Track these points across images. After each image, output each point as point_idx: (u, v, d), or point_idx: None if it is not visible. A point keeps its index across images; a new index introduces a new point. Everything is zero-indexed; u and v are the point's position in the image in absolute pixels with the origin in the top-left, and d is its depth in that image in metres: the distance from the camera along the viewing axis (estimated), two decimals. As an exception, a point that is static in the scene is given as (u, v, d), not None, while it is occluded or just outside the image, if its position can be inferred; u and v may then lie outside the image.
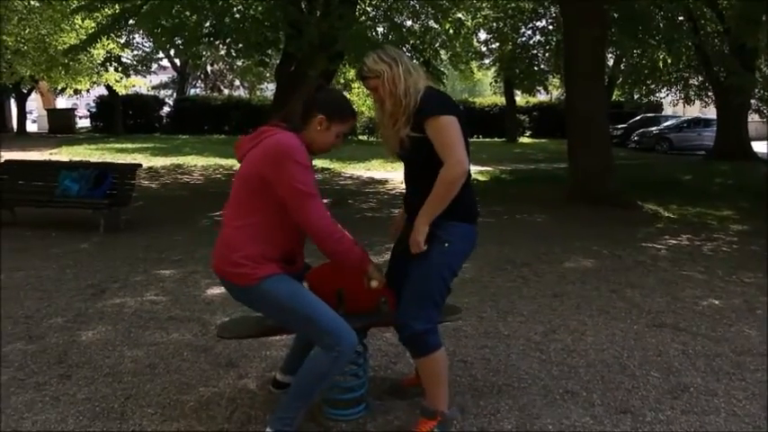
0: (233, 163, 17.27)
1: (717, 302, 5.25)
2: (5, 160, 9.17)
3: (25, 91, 30.47)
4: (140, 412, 3.20)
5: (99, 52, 20.01)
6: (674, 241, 7.97)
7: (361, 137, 32.45)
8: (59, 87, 26.69)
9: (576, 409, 3.29)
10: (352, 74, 22.25)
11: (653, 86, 24.68)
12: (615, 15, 13.21)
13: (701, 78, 23.36)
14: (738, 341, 4.33)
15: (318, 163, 16.43)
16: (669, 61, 20.51)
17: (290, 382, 3.29)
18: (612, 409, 3.30)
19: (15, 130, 31.12)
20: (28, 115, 34.05)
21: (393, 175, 15.48)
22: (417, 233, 2.81)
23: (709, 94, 23.47)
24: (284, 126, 2.81)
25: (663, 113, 32.65)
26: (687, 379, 3.68)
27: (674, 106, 31.01)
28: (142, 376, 3.63)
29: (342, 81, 24.94)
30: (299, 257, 2.94)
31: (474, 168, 17.31)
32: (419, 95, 2.81)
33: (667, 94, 27.25)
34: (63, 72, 21.94)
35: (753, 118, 25.03)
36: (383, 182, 14.15)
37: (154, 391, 3.44)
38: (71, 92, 27.69)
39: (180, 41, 11.32)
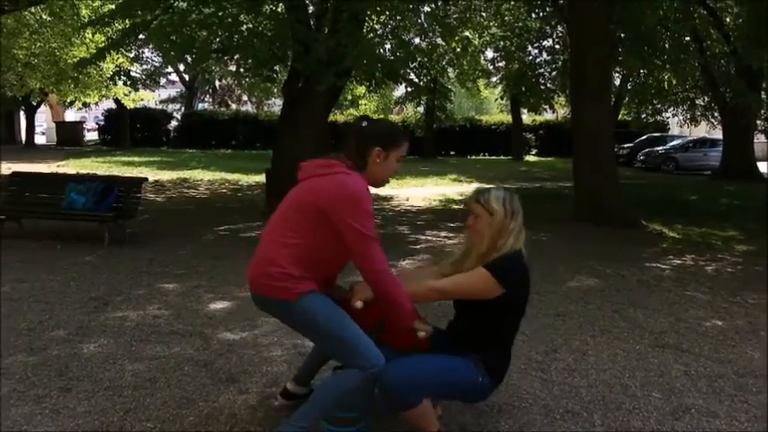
0: (239, 177, 17.38)
1: (720, 323, 5.23)
2: (13, 172, 9.22)
3: (34, 103, 30.70)
4: (140, 426, 3.20)
5: (108, 66, 20.15)
6: (679, 261, 7.95)
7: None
8: (68, 100, 26.90)
9: (576, 430, 3.27)
10: (360, 90, 22.41)
11: (659, 106, 24.70)
12: (622, 35, 13.27)
13: (707, 99, 23.36)
14: (741, 363, 4.31)
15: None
16: (675, 81, 20.55)
17: (300, 393, 3.31)
18: (613, 429, 3.29)
19: (24, 142, 31.31)
20: (37, 127, 34.25)
21: (398, 191, 15.51)
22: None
23: (716, 114, 23.46)
24: (351, 164, 2.86)
25: (669, 133, 32.67)
26: (689, 400, 3.66)
27: (681, 127, 30.98)
28: (142, 390, 3.63)
29: (349, 98, 25.10)
30: (333, 282, 3.05)
31: (479, 186, 17.34)
32: (502, 253, 2.98)
33: (674, 114, 27.24)
34: (72, 85, 22.11)
35: (759, 138, 25.02)
36: (388, 198, 14.16)
37: (154, 406, 3.44)
38: (80, 105, 27.89)
39: (189, 57, 11.42)
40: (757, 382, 3.98)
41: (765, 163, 25.09)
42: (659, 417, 3.45)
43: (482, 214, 3.02)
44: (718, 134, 25.16)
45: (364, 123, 2.99)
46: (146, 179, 9.20)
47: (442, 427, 3.06)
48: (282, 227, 2.86)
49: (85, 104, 27.88)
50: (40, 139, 35.36)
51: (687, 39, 17.78)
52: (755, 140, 23.40)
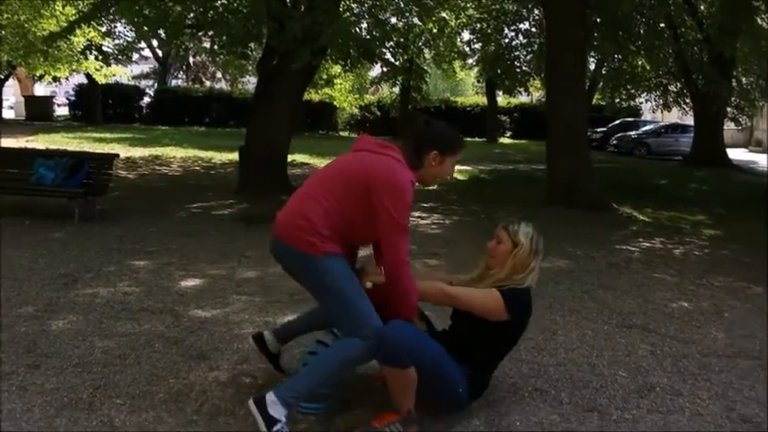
0: (212, 155, 17.23)
1: (686, 305, 5.34)
2: (-20, 146, 9.04)
3: (2, 77, 29.99)
4: (109, 403, 3.18)
5: (79, 40, 19.68)
6: (648, 244, 8.07)
7: (342, 133, 32.44)
8: (38, 74, 26.35)
9: (544, 407, 3.33)
10: (335, 69, 22.22)
11: (633, 91, 24.93)
12: (597, 20, 13.34)
13: (679, 85, 23.63)
14: (705, 343, 4.41)
15: (298, 157, 16.42)
16: (649, 67, 20.74)
17: (271, 350, 3.35)
18: (580, 407, 3.35)
19: (-8, 117, 30.67)
20: (4, 102, 33.52)
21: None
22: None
23: (687, 100, 23.76)
24: (407, 159, 2.94)
25: (642, 119, 33.00)
26: (654, 379, 3.74)
27: (654, 112, 31.31)
28: (112, 367, 3.61)
29: (324, 77, 24.89)
30: (356, 255, 3.15)
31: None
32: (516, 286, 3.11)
33: (647, 100, 27.52)
34: (42, 59, 21.64)
35: (729, 126, 25.38)
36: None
37: (123, 382, 3.42)
38: (50, 79, 27.27)
39: (162, 32, 11.23)
40: (720, 361, 4.07)
41: (734, 150, 25.50)
42: (625, 395, 3.52)
43: (506, 242, 3.14)
44: (689, 120, 25.47)
45: (425, 124, 3.05)
46: (117, 155, 9.09)
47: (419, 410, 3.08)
48: (324, 187, 2.91)
49: (55, 79, 27.24)
50: (7, 114, 34.60)
51: (662, 25, 17.94)
52: (725, 127, 23.74)
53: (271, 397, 2.79)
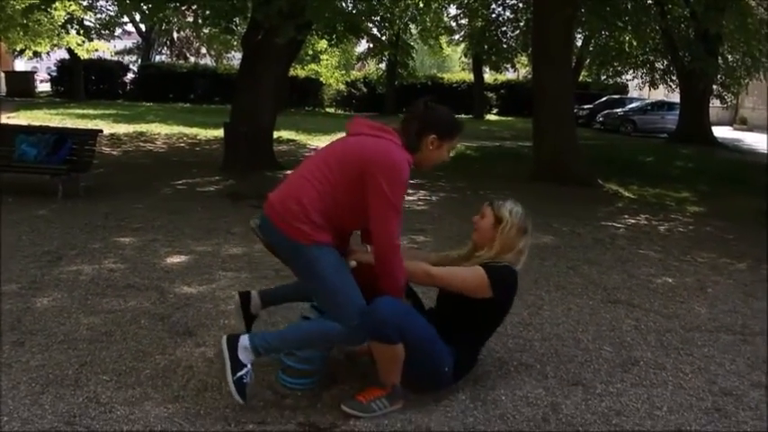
0: (197, 132, 17.08)
1: (670, 281, 5.38)
2: (-40, 122, 8.91)
3: (-18, 52, 29.55)
4: (95, 379, 3.18)
5: (60, 14, 19.42)
6: (633, 221, 8.12)
7: (328, 109, 32.28)
8: (18, 49, 25.93)
9: (529, 381, 3.36)
10: (321, 45, 22.06)
11: (619, 68, 24.93)
12: (584, -5, 13.26)
13: (666, 62, 23.63)
14: (688, 318, 4.45)
15: (284, 134, 16.33)
16: (636, 44, 20.70)
17: (253, 311, 3.32)
18: (565, 381, 3.38)
19: (-29, 93, 30.22)
20: (-16, 77, 33.02)
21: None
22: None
23: (674, 78, 23.79)
24: (404, 140, 2.90)
25: (628, 96, 33.05)
26: (638, 353, 3.78)
27: (641, 90, 31.33)
28: (98, 344, 3.60)
29: (310, 53, 24.71)
30: (347, 240, 3.09)
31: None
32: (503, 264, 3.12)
33: (633, 77, 27.54)
34: (21, 33, 21.26)
35: (714, 103, 25.48)
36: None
37: (110, 359, 3.41)
38: (30, 54, 26.87)
39: (145, 6, 11.06)
40: (702, 336, 4.12)
41: (719, 128, 25.62)
42: (609, 369, 3.55)
43: (489, 217, 3.15)
44: (675, 98, 25.53)
45: (425, 106, 3.01)
46: (100, 131, 8.98)
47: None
48: (319, 171, 2.87)
49: (36, 54, 26.86)
50: (-12, 90, 34.12)
51: (649, 1, 17.87)
52: (711, 105, 23.81)
53: (244, 341, 2.84)
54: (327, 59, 27.99)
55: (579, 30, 19.23)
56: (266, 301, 3.37)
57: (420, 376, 3.07)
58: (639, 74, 25.98)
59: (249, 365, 2.84)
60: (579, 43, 22.85)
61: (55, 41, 24.14)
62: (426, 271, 3.09)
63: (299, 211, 2.80)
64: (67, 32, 22.25)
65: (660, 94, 30.66)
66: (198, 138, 16.17)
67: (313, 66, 28.26)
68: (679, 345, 3.94)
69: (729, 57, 22.20)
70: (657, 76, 25.16)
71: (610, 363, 3.64)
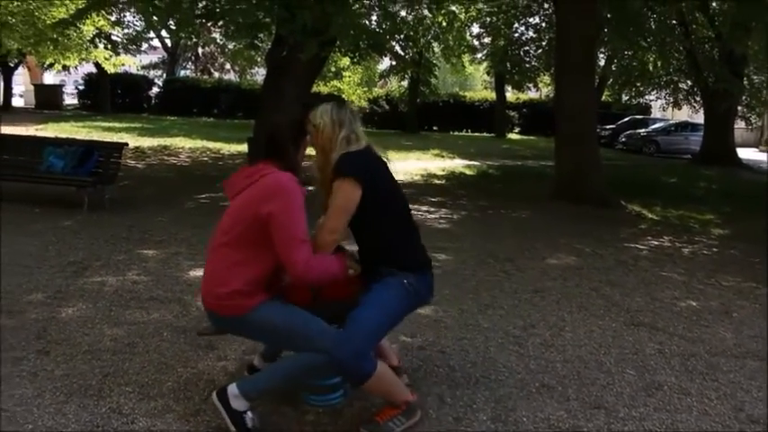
0: (220, 146, 17.24)
1: (694, 304, 5.32)
2: (-10, 134, 9.07)
3: (12, 65, 30.04)
4: (118, 390, 3.20)
5: (89, 29, 19.71)
6: (656, 242, 8.05)
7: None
8: (47, 63, 26.36)
9: (551, 403, 3.33)
10: (344, 62, 22.22)
11: (642, 89, 24.81)
12: (608, 15, 13.26)
13: (690, 83, 23.49)
14: (713, 343, 4.39)
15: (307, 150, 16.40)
16: (659, 64, 20.62)
17: (260, 367, 3.30)
18: (587, 404, 3.35)
19: (1, 105, 30.72)
20: (14, 90, 33.58)
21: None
22: None
23: (698, 98, 23.63)
24: (279, 165, 2.86)
25: (651, 116, 32.85)
26: (662, 377, 3.73)
27: (664, 111, 31.15)
28: (121, 355, 3.63)
29: (333, 69, 24.87)
30: (277, 281, 2.99)
31: (461, 162, 17.41)
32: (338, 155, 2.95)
33: (657, 98, 27.39)
34: (51, 47, 21.59)
35: (739, 125, 25.25)
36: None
37: (132, 370, 3.44)
38: (59, 68, 27.28)
39: (172, 22, 11.22)
40: (728, 361, 4.06)
41: (744, 149, 25.37)
42: (632, 393, 3.51)
43: (311, 130, 3.03)
44: (699, 119, 25.34)
45: (270, 124, 3.04)
46: (126, 144, 9.10)
47: (416, 396, 3.09)
48: (225, 244, 2.84)
49: (65, 68, 27.27)
50: (17, 102, 34.70)
51: (673, 22, 17.83)
52: (735, 126, 23.60)
53: (233, 390, 2.83)
54: (350, 76, 28.13)
55: (602, 49, 19.22)
56: (270, 358, 3.35)
57: (410, 311, 3.06)
58: (663, 94, 25.83)
59: (248, 411, 2.82)
60: (602, 62, 22.79)
61: (83, 55, 24.48)
62: (326, 234, 2.91)
63: (225, 291, 2.77)
64: (95, 47, 22.51)
65: (684, 114, 30.45)
66: (221, 152, 16.31)
67: (335, 82, 28.41)
68: (704, 370, 3.89)
69: (755, 78, 22.03)
70: (681, 97, 25.00)
71: (633, 386, 3.60)
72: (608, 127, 28.56)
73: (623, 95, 25.90)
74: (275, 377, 2.89)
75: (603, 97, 27.22)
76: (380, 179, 3.01)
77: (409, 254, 3.05)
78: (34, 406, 3.01)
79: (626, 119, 29.83)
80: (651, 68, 21.12)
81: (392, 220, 3.03)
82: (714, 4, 18.81)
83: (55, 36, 18.75)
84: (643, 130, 27.94)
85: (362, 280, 3.02)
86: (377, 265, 2.99)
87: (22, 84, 39.53)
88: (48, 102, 31.06)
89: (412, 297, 2.98)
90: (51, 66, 27.45)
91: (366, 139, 3.06)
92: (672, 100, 25.38)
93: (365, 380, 2.78)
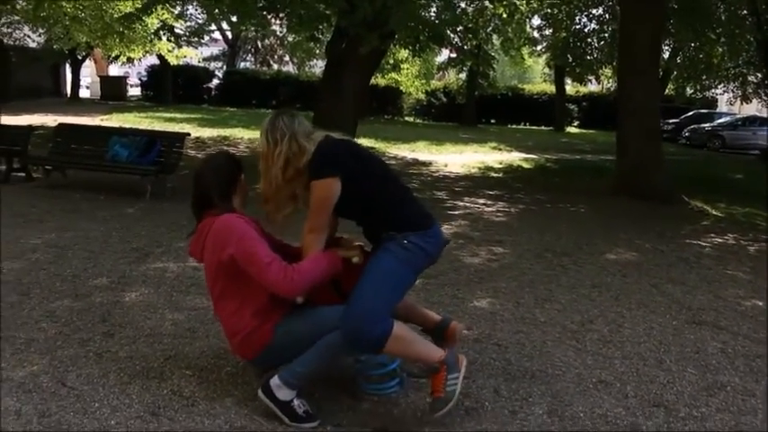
0: (278, 138, 17.40)
1: (760, 303, 5.14)
2: (59, 124, 9.40)
3: (80, 57, 31.02)
4: (179, 373, 3.29)
5: (153, 22, 20.19)
6: (720, 240, 7.81)
7: (407, 118, 32.41)
8: (113, 55, 27.14)
9: (608, 399, 3.27)
10: (402, 54, 22.19)
11: (708, 82, 24.05)
12: (675, 6, 12.90)
13: (760, 75, 22.65)
14: (780, 344, 4.24)
15: (364, 142, 16.47)
16: (727, 56, 19.93)
17: None
18: (646, 401, 3.28)
19: (69, 96, 31.78)
20: (81, 81, 34.67)
21: (437, 157, 15.46)
22: None
23: (768, 92, 22.80)
24: (218, 212, 2.95)
25: (717, 110, 31.84)
26: (725, 378, 3.63)
27: (731, 105, 30.13)
28: (182, 339, 3.72)
29: (391, 61, 24.86)
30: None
31: (519, 156, 17.24)
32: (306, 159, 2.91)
33: (724, 91, 26.52)
34: (117, 40, 22.25)
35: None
36: (427, 164, 14.12)
37: (192, 354, 3.53)
38: (124, 60, 28.04)
39: (234, 16, 11.38)
40: (796, 363, 3.92)
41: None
42: (693, 392, 3.42)
43: (265, 150, 3.00)
44: (768, 113, 24.48)
45: (198, 177, 3.08)
46: (188, 134, 9.30)
47: (452, 348, 3.07)
48: (219, 300, 2.99)
49: (129, 59, 28.02)
50: (84, 93, 35.82)
51: (744, 12, 17.20)
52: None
53: (274, 382, 2.88)
54: (408, 68, 28.08)
55: (667, 41, 18.68)
56: None
57: (419, 272, 3.04)
58: (730, 88, 24.99)
59: (294, 398, 2.88)
60: (666, 55, 22.15)
61: (147, 48, 25.15)
62: (306, 234, 2.97)
63: (241, 339, 2.91)
64: (159, 39, 23.11)
65: (753, 109, 29.41)
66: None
67: (393, 75, 28.41)
68: (770, 371, 3.77)
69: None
70: (750, 90, 24.15)
71: (694, 386, 3.50)
72: (671, 121, 27.80)
73: (688, 89, 25.16)
74: (308, 360, 2.91)
75: (667, 90, 26.51)
76: (353, 163, 2.94)
77: (404, 214, 3.01)
78: (100, 386, 3.11)
79: (690, 113, 28.99)
80: (717, 61, 20.45)
81: (377, 190, 2.99)
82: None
83: (121, 29, 19.26)
84: (708, 124, 27.12)
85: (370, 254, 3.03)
86: (378, 235, 3.00)
87: (88, 75, 40.75)
88: (112, 93, 32.02)
89: (415, 256, 2.92)
90: (117, 58, 28.24)
91: (319, 131, 3.04)
92: (740, 93, 24.52)
93: (380, 343, 2.77)
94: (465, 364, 2.95)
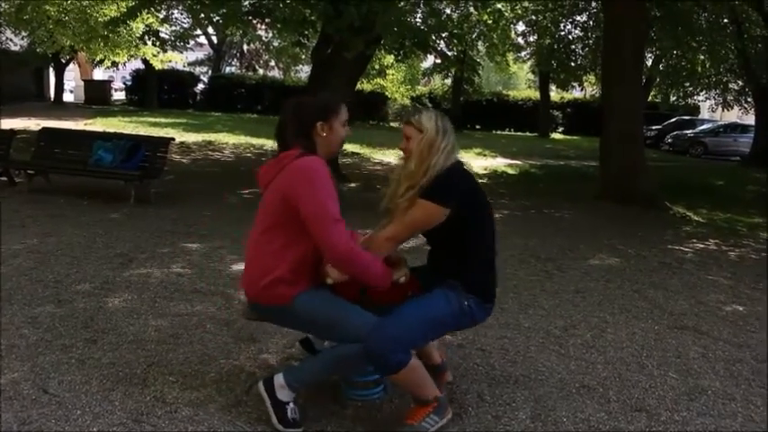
0: (264, 142, 17.41)
1: (741, 309, 5.21)
2: (42, 128, 9.32)
3: (64, 61, 30.79)
4: (162, 380, 3.27)
5: (138, 26, 20.11)
6: (702, 245, 7.89)
7: (392, 123, 32.45)
8: (97, 59, 26.98)
9: (591, 404, 3.30)
10: (388, 60, 22.23)
11: (690, 89, 24.30)
12: (657, 14, 13.04)
13: (741, 83, 22.92)
14: (760, 348, 4.29)
15: (349, 147, 16.48)
16: (709, 64, 20.16)
17: (318, 348, 3.28)
18: (628, 406, 3.31)
19: (52, 100, 31.55)
20: (65, 85, 34.43)
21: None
22: None
23: (749, 99, 23.04)
24: (302, 151, 2.80)
25: (699, 117, 32.15)
26: (705, 382, 3.67)
27: (713, 111, 30.44)
28: (165, 345, 3.71)
29: (377, 67, 24.91)
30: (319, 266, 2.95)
31: (503, 161, 17.31)
32: (435, 174, 2.86)
33: (706, 98, 26.80)
34: (102, 44, 22.13)
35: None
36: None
37: (176, 361, 3.51)
38: (108, 64, 27.90)
39: (219, 18, 11.33)
40: (776, 367, 3.97)
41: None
42: (675, 396, 3.46)
43: (413, 135, 2.93)
44: (750, 120, 24.72)
45: (295, 107, 2.91)
46: (172, 139, 9.26)
47: (444, 392, 3.06)
48: (262, 233, 2.85)
49: (114, 64, 27.87)
50: (68, 97, 35.57)
51: (725, 20, 17.41)
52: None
53: (279, 380, 2.87)
54: (393, 74, 28.17)
55: (650, 48, 18.86)
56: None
57: (453, 329, 3.06)
58: (712, 95, 25.25)
59: (291, 402, 2.86)
60: (650, 62, 22.37)
61: (132, 52, 25.03)
62: (384, 238, 2.90)
63: (269, 281, 2.77)
64: (144, 43, 23.00)
65: (734, 116, 29.73)
66: (264, 148, 16.47)
67: (379, 80, 28.47)
68: (750, 376, 3.81)
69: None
70: (731, 98, 24.41)
71: (675, 390, 3.54)
72: (654, 128, 28.04)
73: (671, 96, 25.41)
74: (318, 369, 2.91)
75: (650, 98, 26.74)
76: (474, 200, 2.92)
77: (483, 279, 2.97)
78: (82, 392, 3.09)
79: (672, 119, 29.25)
80: (700, 68, 20.67)
81: (476, 241, 2.95)
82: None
83: (106, 33, 19.16)
84: (690, 131, 27.37)
85: (423, 283, 2.97)
86: (446, 276, 2.92)
87: (72, 79, 40.52)
88: (97, 97, 31.80)
89: (465, 317, 2.91)
90: (101, 62, 28.09)
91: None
92: (721, 100, 24.79)
93: (394, 370, 2.74)
94: (449, 418, 2.93)
